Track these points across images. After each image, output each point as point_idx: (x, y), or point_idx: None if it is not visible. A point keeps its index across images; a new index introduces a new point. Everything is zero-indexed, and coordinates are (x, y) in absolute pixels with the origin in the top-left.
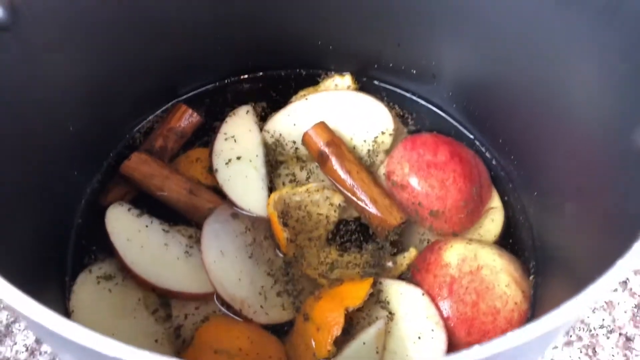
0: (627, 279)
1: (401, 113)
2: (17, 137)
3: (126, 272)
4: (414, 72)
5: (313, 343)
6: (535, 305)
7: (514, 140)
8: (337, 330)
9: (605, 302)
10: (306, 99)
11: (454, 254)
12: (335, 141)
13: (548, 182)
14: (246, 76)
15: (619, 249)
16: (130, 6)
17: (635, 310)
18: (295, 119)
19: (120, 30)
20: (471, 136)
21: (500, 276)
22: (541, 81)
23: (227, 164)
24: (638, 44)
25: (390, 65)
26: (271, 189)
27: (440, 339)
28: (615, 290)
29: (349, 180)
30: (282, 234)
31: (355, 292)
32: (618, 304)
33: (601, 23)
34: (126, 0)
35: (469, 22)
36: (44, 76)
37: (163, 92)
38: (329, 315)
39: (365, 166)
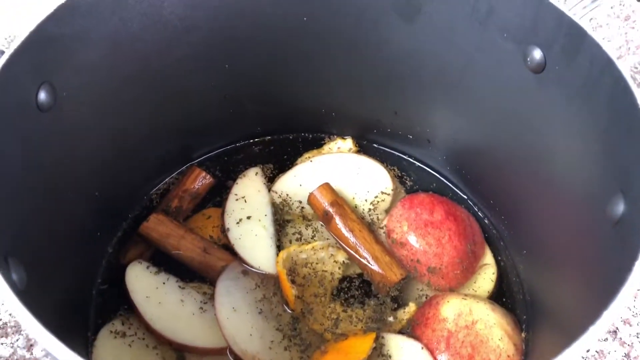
0: (617, 328)
1: (399, 174)
2: (50, 208)
3: (145, 327)
4: (410, 137)
5: None
6: (527, 358)
7: (503, 202)
8: None
9: (597, 351)
10: (311, 160)
11: (451, 308)
12: (339, 201)
13: (536, 241)
14: (256, 140)
15: (604, 302)
16: (156, 84)
17: (625, 359)
18: (301, 180)
19: (145, 103)
20: (464, 196)
21: (494, 330)
22: (528, 148)
23: (237, 223)
24: (609, 128)
25: (388, 130)
26: (279, 246)
27: None
28: (606, 339)
29: (352, 239)
30: (290, 291)
31: (359, 347)
32: (609, 353)
33: (578, 102)
34: (154, 78)
35: (461, 95)
36: (75, 149)
37: (179, 157)
38: None
39: (367, 224)
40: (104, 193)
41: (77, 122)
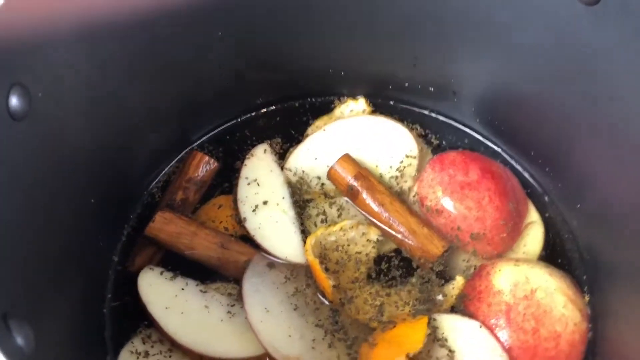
0: None
1: (423, 133)
2: (41, 235)
3: (169, 342)
4: (432, 89)
5: None
6: (596, 323)
7: (547, 153)
8: None
9: None
10: (323, 129)
11: (504, 278)
12: (363, 173)
13: (592, 194)
14: (259, 112)
15: None
16: (142, 62)
17: None
18: (315, 153)
19: (133, 87)
20: (499, 150)
21: (556, 297)
22: (582, 94)
23: (254, 210)
24: None
25: (406, 84)
26: (304, 231)
27: None
28: None
29: (383, 213)
30: (326, 282)
31: (413, 335)
32: None
33: None
34: (139, 56)
35: (492, 33)
36: (59, 159)
37: (176, 142)
38: None
39: (397, 195)
40: (99, 198)
41: (58, 127)
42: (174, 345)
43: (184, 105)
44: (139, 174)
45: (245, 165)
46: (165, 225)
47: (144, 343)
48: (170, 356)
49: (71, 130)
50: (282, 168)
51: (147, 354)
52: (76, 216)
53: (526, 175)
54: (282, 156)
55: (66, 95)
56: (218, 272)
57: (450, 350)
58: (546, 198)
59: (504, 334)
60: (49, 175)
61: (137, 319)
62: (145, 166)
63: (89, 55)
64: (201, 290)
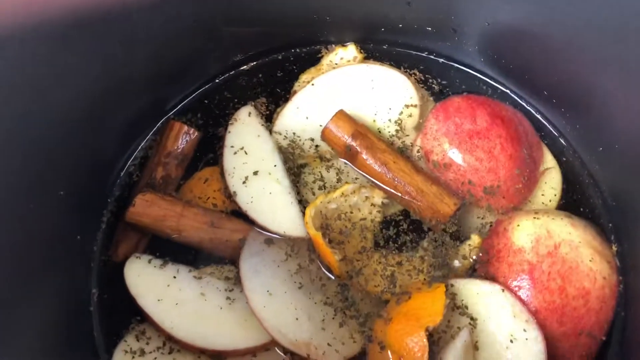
0: None
1: (422, 78)
2: (9, 241)
3: (166, 337)
4: (430, 29)
5: None
6: (627, 275)
7: (563, 92)
8: (424, 357)
9: None
10: (312, 84)
11: (524, 234)
12: (361, 131)
13: (617, 136)
14: (239, 70)
15: None
16: (106, 27)
17: None
18: (306, 111)
19: (97, 54)
20: (507, 91)
21: (581, 250)
22: (602, 25)
23: (244, 182)
24: None
25: (400, 26)
26: (300, 201)
27: (536, 338)
28: None
29: (387, 173)
30: (332, 257)
31: (431, 307)
32: None
33: None
34: (103, 21)
35: None
36: (15, 147)
37: (150, 112)
38: (408, 340)
39: (400, 152)
40: (70, 188)
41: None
42: (171, 340)
43: (154, 69)
44: (112, 153)
45: (229, 132)
46: (148, 208)
47: (138, 340)
48: (169, 352)
49: (27, 118)
50: (270, 132)
51: (142, 352)
52: (45, 215)
53: (539, 117)
54: (269, 118)
55: (16, 74)
56: (211, 254)
57: (472, 319)
58: (562, 141)
59: (528, 296)
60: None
61: (128, 313)
62: (118, 143)
63: (40, 24)
64: (195, 277)
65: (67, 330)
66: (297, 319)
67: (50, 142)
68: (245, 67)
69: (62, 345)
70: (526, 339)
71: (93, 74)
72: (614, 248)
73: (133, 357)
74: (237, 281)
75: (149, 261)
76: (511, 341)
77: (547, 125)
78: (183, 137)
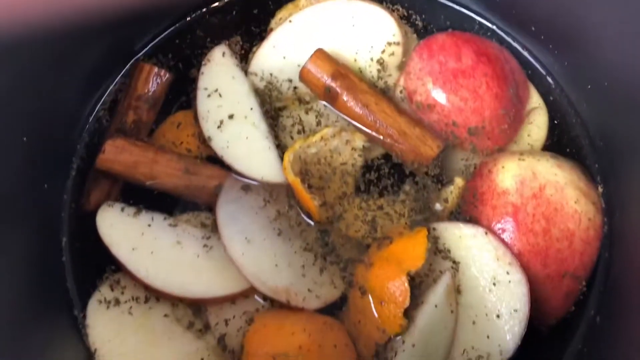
0: None
1: (406, 14)
2: None
3: (142, 286)
4: None
5: (378, 319)
6: (612, 216)
7: (552, 27)
8: (405, 302)
9: None
10: (289, 21)
11: (509, 176)
12: (341, 71)
13: (607, 74)
14: (211, 7)
15: None
16: None
17: None
18: (283, 51)
19: None
20: (493, 27)
21: (567, 192)
22: None
23: (219, 127)
24: None
25: None
26: (279, 145)
27: (519, 281)
28: None
29: (368, 116)
30: (311, 202)
31: (412, 251)
32: None
33: None
34: None
35: None
36: None
37: (118, 54)
38: (390, 285)
39: (382, 93)
40: (33, 134)
41: None
42: (147, 289)
43: (122, 7)
44: (78, 96)
45: (203, 73)
46: (119, 155)
47: (112, 290)
48: (145, 301)
49: None
50: (245, 73)
51: (117, 301)
52: (4, 155)
53: (526, 54)
54: (244, 58)
55: None
56: (187, 201)
57: (454, 262)
58: (550, 80)
59: (512, 239)
60: None
61: (102, 263)
62: (84, 86)
63: None
64: (170, 225)
65: (39, 283)
66: (276, 265)
67: (8, 84)
68: (218, 3)
69: (34, 298)
70: (509, 282)
71: (51, 9)
72: (600, 189)
73: (108, 307)
74: (214, 229)
75: (122, 209)
76: (494, 284)
77: (535, 63)
78: (154, 80)
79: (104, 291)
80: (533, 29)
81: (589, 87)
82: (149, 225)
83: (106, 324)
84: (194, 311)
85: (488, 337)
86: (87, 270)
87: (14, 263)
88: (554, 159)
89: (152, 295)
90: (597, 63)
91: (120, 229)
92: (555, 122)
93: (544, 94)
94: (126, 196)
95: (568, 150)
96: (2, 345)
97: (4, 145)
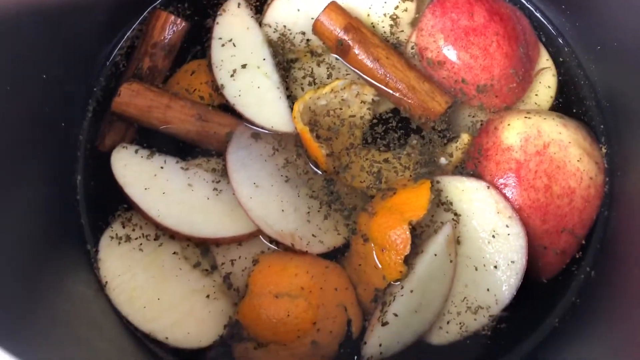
0: None
1: None
2: None
3: (153, 225)
4: None
5: (379, 265)
6: (614, 176)
7: None
8: (406, 249)
9: None
10: None
11: (514, 133)
12: (354, 24)
13: (618, 35)
14: None
15: None
16: None
17: None
18: (297, 3)
19: None
20: None
21: (570, 150)
22: None
23: (232, 76)
24: None
25: None
26: (289, 96)
27: (518, 234)
28: None
29: (379, 69)
30: (319, 151)
31: (415, 201)
32: None
33: None
34: None
35: None
36: None
37: (135, 1)
38: (391, 233)
39: (393, 47)
40: (52, 72)
41: None
42: (158, 228)
43: None
44: (96, 41)
45: (218, 23)
46: (134, 99)
47: (123, 227)
48: (155, 239)
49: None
50: (260, 24)
51: (128, 237)
52: (25, 91)
53: (538, 15)
54: (259, 10)
55: None
56: (198, 146)
57: (455, 214)
58: (560, 40)
59: (513, 194)
60: None
61: (115, 202)
62: (103, 31)
63: None
64: (182, 168)
65: (55, 218)
66: (282, 210)
67: (30, 26)
68: None
69: (50, 231)
70: (508, 235)
71: None
72: (604, 149)
73: (119, 243)
74: (224, 173)
75: (136, 151)
76: (493, 236)
77: (546, 23)
78: (170, 28)
79: (116, 228)
80: None
81: (599, 48)
82: (162, 168)
83: (117, 258)
84: (202, 251)
85: (484, 286)
86: (100, 208)
87: (31, 198)
88: (560, 119)
89: (162, 233)
90: (607, 24)
91: (134, 170)
92: (564, 83)
93: (554, 55)
94: (140, 139)
95: (575, 110)
96: (18, 272)
97: (24, 81)
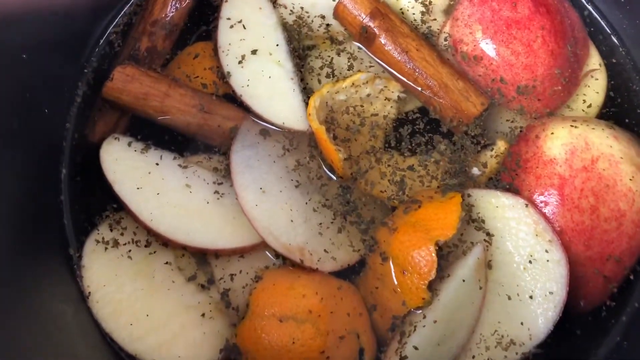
0: None
1: None
2: None
3: (145, 229)
4: None
5: (399, 289)
6: None
7: None
8: (431, 274)
9: None
10: None
11: (558, 144)
12: (381, 10)
13: None
14: None
15: None
16: None
17: None
18: None
19: None
20: None
21: (622, 167)
22: None
23: (240, 62)
24: None
25: None
26: (305, 88)
27: (559, 261)
28: None
29: (407, 63)
30: (336, 155)
31: (443, 218)
32: None
33: None
34: None
35: None
36: None
37: None
38: (415, 253)
39: (425, 39)
40: (34, 51)
41: None
42: (150, 233)
43: None
44: (88, 15)
45: (227, 1)
46: (128, 84)
47: (111, 230)
48: (146, 245)
49: None
50: (274, 4)
51: (116, 242)
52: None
53: (591, 8)
54: None
55: None
56: (199, 141)
57: (488, 234)
58: (615, 39)
59: (554, 214)
60: None
61: (103, 201)
62: (97, 4)
63: None
64: (180, 165)
65: (34, 217)
66: (291, 220)
67: None
68: None
69: (27, 232)
70: (547, 261)
71: None
72: None
73: (106, 249)
74: (226, 174)
75: (129, 144)
76: (530, 262)
77: (600, 19)
78: (173, 4)
79: (102, 231)
80: None
81: None
82: (157, 164)
83: (103, 266)
84: (198, 262)
85: (517, 319)
86: (86, 207)
87: (6, 194)
88: (610, 129)
89: (154, 239)
90: None
91: (126, 165)
92: (616, 88)
93: (606, 55)
94: (135, 129)
95: (627, 120)
96: None
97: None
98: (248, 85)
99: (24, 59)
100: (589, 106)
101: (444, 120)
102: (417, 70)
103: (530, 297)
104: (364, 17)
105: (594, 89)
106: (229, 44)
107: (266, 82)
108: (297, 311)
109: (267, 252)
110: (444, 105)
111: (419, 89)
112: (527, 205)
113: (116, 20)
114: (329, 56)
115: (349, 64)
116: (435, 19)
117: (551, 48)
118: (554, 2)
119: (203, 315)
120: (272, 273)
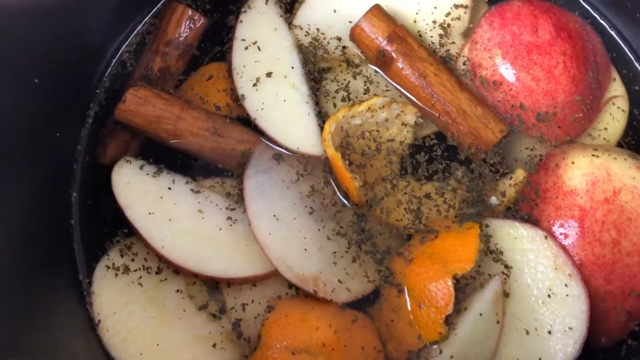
0: None
1: None
2: None
3: (156, 255)
4: None
5: (415, 322)
6: None
7: None
8: (448, 308)
9: None
10: None
11: (579, 173)
12: (399, 33)
13: None
14: None
15: None
16: None
17: None
18: (334, 3)
19: None
20: None
21: None
22: None
23: (255, 85)
24: None
25: None
26: (320, 112)
27: (579, 296)
28: None
29: (425, 88)
30: (351, 182)
31: (461, 250)
32: None
33: None
34: None
35: None
36: None
37: None
38: (432, 286)
39: (443, 63)
40: (46, 74)
41: None
42: (161, 259)
43: None
44: (101, 34)
45: (241, 21)
46: (140, 107)
47: (122, 256)
48: (157, 272)
49: None
50: (289, 25)
51: (127, 269)
52: (12, 96)
53: (613, 33)
54: (289, 8)
55: None
56: (212, 165)
57: (506, 266)
58: (638, 65)
59: (575, 247)
60: None
61: (114, 225)
62: (110, 22)
63: None
64: (192, 190)
65: (43, 241)
66: (305, 249)
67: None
68: None
69: (36, 257)
70: (567, 295)
71: None
72: None
73: (116, 275)
74: (239, 199)
75: (141, 167)
76: (549, 296)
77: (622, 44)
78: (186, 24)
79: (113, 256)
80: (629, 5)
81: None
82: (169, 189)
83: (113, 293)
84: (210, 290)
85: (535, 355)
86: (96, 232)
87: (16, 218)
88: (633, 159)
89: (166, 266)
90: None
91: (138, 189)
92: (638, 114)
93: (628, 82)
94: (147, 152)
95: None
96: None
97: (12, 85)
98: (262, 109)
99: (35, 84)
100: (611, 134)
101: (461, 147)
102: (435, 95)
103: (549, 332)
104: (381, 40)
105: (616, 116)
106: (244, 66)
107: (281, 106)
108: (310, 344)
109: (279, 282)
110: (462, 131)
111: (437, 114)
112: (546, 237)
113: (129, 39)
114: (345, 79)
115: (365, 87)
116: (453, 42)
117: (572, 74)
118: (576, 27)
119: (214, 345)
120: (285, 303)
